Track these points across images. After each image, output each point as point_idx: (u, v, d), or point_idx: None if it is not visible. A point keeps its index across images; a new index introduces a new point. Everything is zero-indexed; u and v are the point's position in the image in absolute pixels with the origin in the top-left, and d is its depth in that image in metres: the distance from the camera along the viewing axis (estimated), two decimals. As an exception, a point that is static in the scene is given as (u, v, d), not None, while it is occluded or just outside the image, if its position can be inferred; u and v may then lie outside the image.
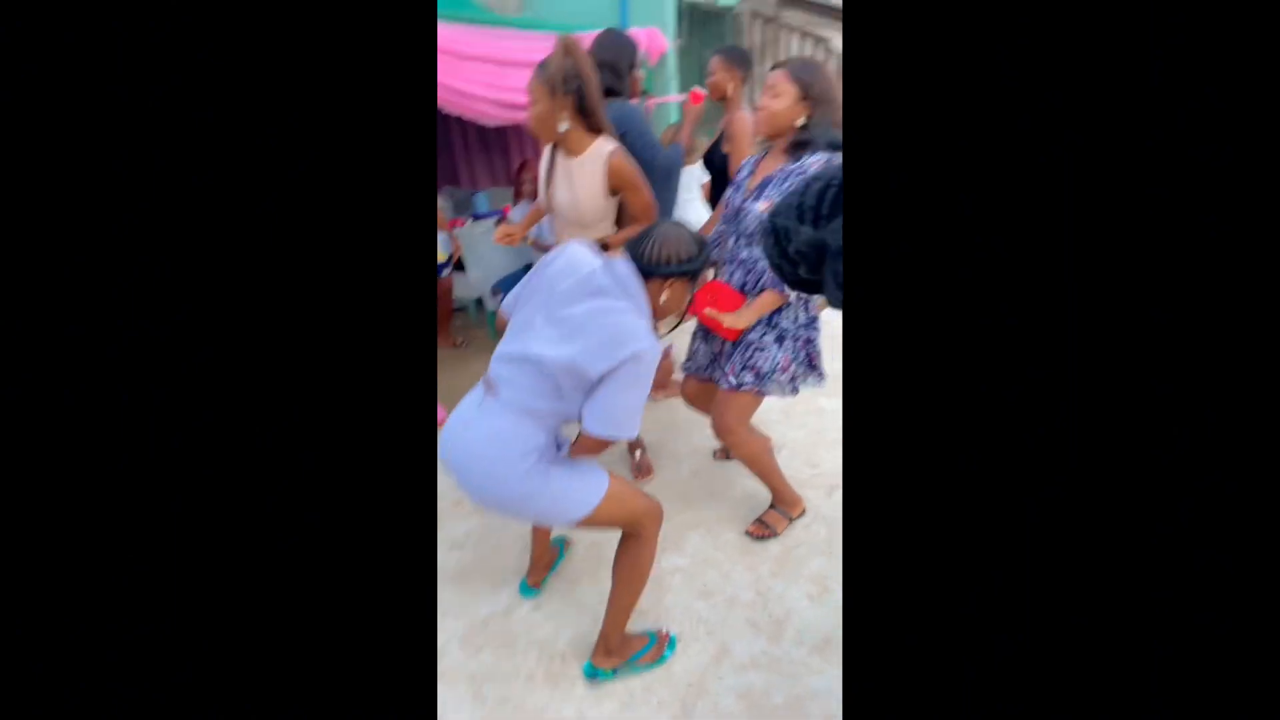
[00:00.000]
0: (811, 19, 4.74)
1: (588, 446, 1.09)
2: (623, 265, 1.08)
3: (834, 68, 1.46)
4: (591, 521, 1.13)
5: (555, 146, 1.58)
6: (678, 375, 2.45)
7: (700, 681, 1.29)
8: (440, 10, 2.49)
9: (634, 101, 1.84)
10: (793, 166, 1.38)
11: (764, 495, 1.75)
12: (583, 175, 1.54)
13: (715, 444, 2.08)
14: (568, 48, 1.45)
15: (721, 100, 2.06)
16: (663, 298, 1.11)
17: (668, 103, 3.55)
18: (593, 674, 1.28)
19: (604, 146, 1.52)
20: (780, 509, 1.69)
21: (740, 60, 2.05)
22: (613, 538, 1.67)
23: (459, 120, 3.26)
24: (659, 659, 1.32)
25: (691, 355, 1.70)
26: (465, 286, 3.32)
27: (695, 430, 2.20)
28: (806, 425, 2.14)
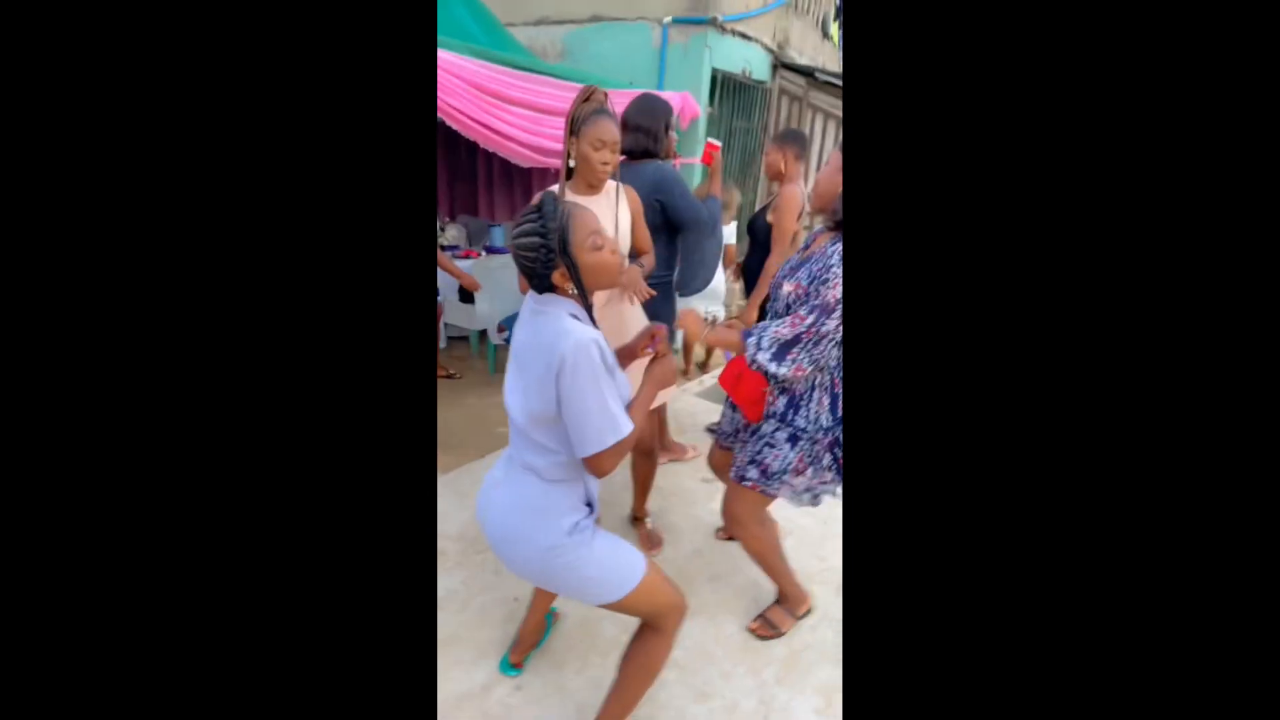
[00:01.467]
0: (837, 102, 4.92)
1: (594, 467, 0.94)
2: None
3: None
4: (618, 607, 1.03)
5: (562, 191, 1.55)
6: (694, 444, 2.39)
7: (694, 802, 1.16)
8: (489, 49, 2.52)
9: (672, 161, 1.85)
10: (817, 248, 1.32)
11: (769, 585, 1.64)
12: (604, 206, 1.54)
13: (717, 520, 1.98)
14: (583, 97, 1.47)
15: (777, 179, 2.19)
16: (580, 275, 0.94)
17: (693, 164, 3.62)
18: None
19: (612, 182, 1.57)
20: (785, 607, 1.58)
21: (794, 140, 2.16)
22: (606, 615, 1.54)
23: (485, 152, 3.27)
24: None
25: (719, 423, 1.64)
26: (470, 317, 3.25)
27: (699, 502, 2.11)
28: (815, 513, 2.05)
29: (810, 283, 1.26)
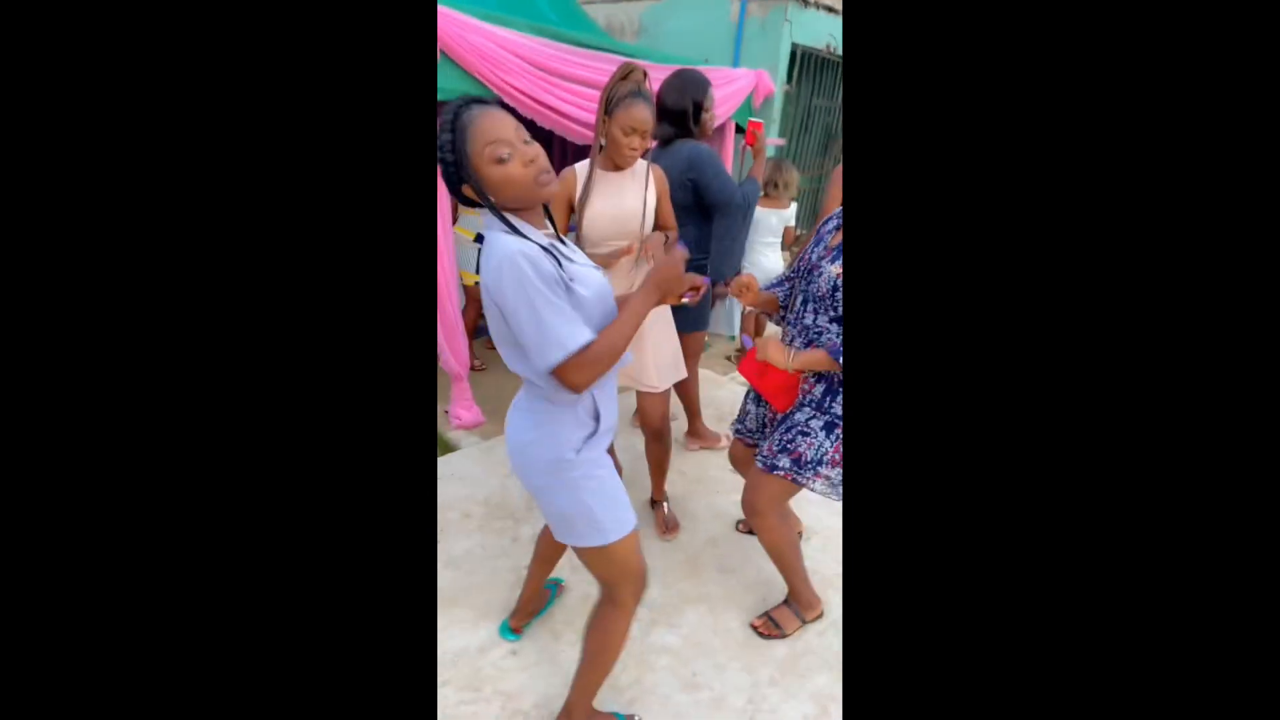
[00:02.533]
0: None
1: (561, 385, 0.90)
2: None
3: None
4: (586, 554, 1.04)
5: (592, 165, 1.54)
6: (728, 433, 2.34)
7: (663, 788, 1.16)
8: (563, 30, 2.54)
9: (705, 142, 1.77)
10: None
11: (779, 583, 1.59)
12: (633, 183, 1.52)
13: (740, 513, 1.94)
14: (621, 75, 1.44)
15: None
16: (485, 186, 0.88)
17: (775, 144, 3.47)
18: None
19: (641, 162, 1.54)
20: (794, 607, 1.52)
21: None
22: (647, 628, 1.56)
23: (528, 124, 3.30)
24: None
25: (741, 416, 1.58)
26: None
27: (723, 491, 2.06)
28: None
29: None
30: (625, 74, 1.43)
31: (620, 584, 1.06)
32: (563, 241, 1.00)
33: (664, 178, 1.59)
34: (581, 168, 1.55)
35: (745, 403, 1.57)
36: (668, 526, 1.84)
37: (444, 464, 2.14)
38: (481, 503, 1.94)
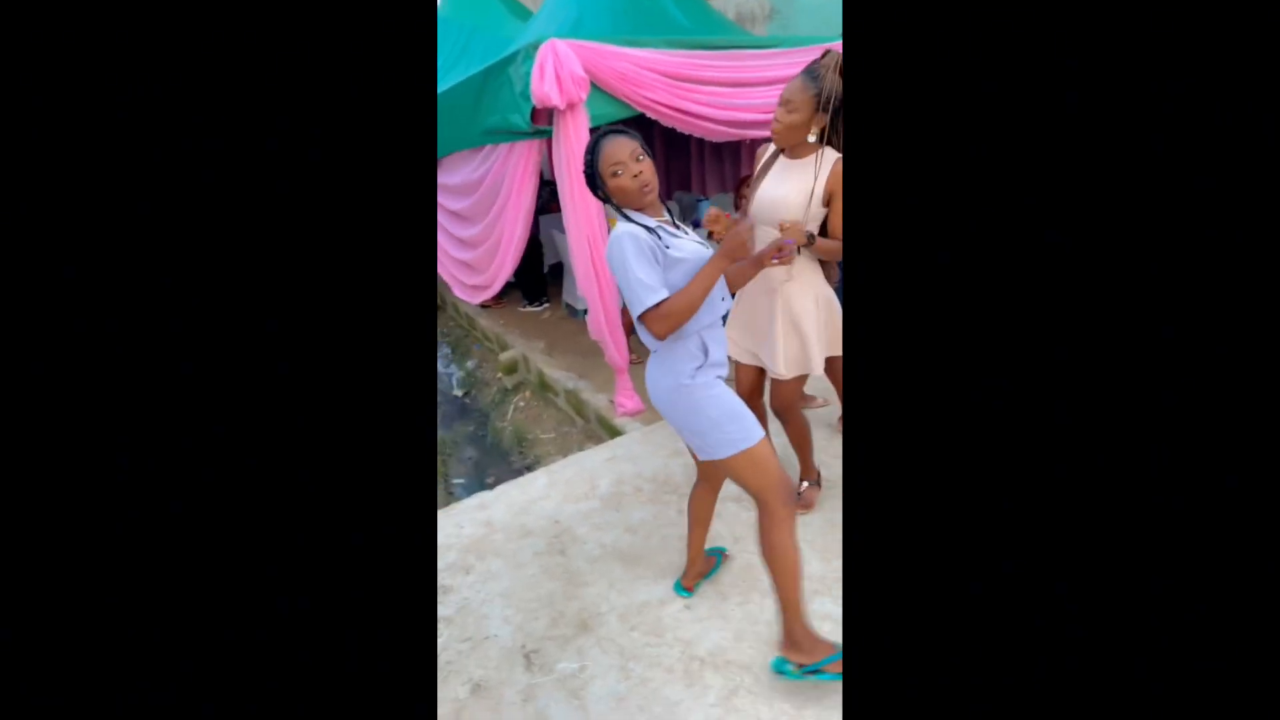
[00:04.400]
0: None
1: (649, 331, 1.21)
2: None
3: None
4: (728, 466, 1.26)
5: (780, 149, 1.57)
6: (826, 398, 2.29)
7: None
8: (694, 36, 2.69)
9: None
10: None
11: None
12: (803, 173, 1.51)
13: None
14: (839, 67, 1.42)
15: None
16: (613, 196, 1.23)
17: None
18: (780, 668, 1.34)
19: (834, 153, 1.51)
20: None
21: None
22: (809, 596, 1.68)
23: (665, 133, 3.46)
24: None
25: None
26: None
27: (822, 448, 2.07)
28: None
29: None
30: (839, 70, 1.42)
31: (767, 491, 1.25)
32: (677, 225, 1.29)
33: (838, 177, 1.48)
34: (771, 149, 1.60)
35: None
36: (802, 502, 1.87)
37: (613, 446, 2.42)
38: (649, 479, 2.17)
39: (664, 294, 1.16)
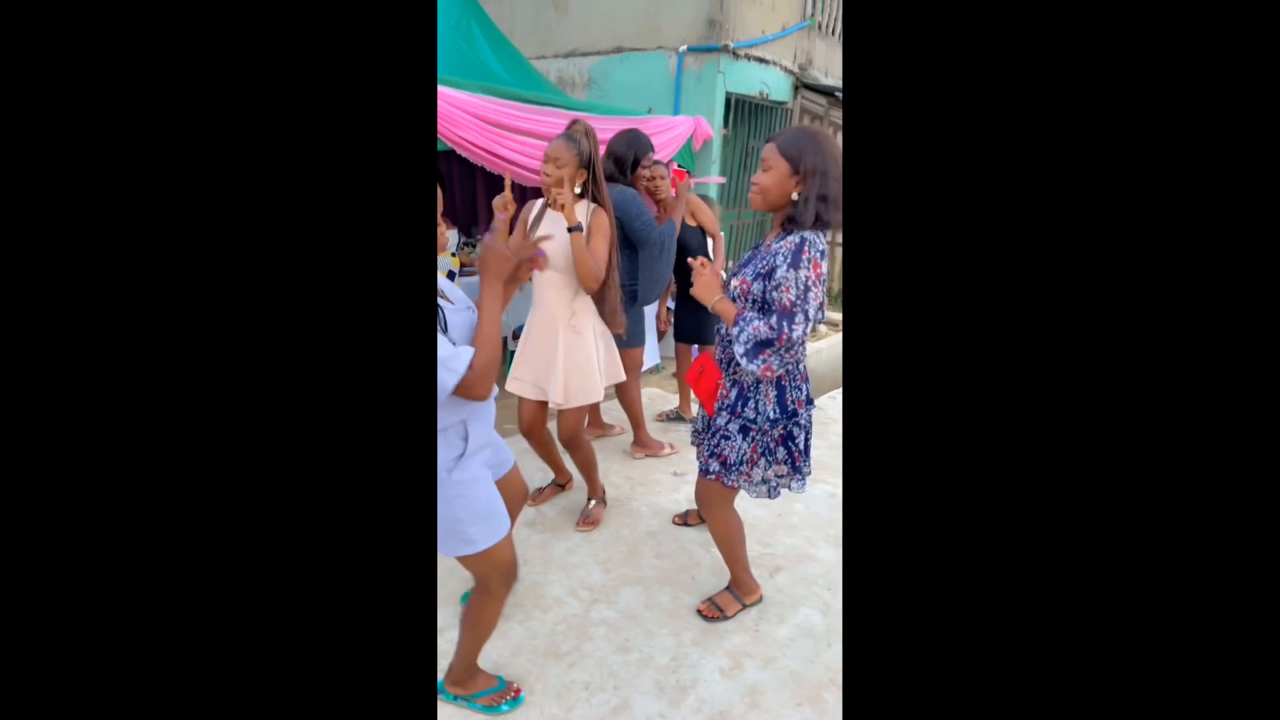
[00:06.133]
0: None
1: (465, 397, 1.04)
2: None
3: (836, 141, 1.38)
4: (468, 561, 1.18)
5: (545, 204, 1.81)
6: (671, 443, 2.57)
7: (594, 731, 1.35)
8: (507, 87, 2.85)
9: (635, 189, 2.08)
10: (764, 245, 1.39)
11: (707, 565, 1.80)
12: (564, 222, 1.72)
13: (678, 509, 2.16)
14: (589, 133, 1.71)
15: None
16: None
17: (706, 183, 3.82)
18: (439, 690, 1.38)
19: (590, 203, 1.77)
20: (735, 593, 1.70)
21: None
22: (553, 581, 1.76)
23: (483, 171, 3.59)
24: (495, 707, 1.37)
25: (694, 421, 1.76)
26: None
27: (663, 493, 2.29)
28: (772, 506, 2.19)
29: (754, 279, 1.35)
30: (587, 134, 1.72)
31: (492, 578, 1.23)
32: (450, 276, 1.28)
33: (605, 223, 1.73)
34: (540, 203, 1.86)
35: (699, 408, 1.75)
36: (586, 520, 2.03)
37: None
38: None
39: (467, 352, 1.00)
